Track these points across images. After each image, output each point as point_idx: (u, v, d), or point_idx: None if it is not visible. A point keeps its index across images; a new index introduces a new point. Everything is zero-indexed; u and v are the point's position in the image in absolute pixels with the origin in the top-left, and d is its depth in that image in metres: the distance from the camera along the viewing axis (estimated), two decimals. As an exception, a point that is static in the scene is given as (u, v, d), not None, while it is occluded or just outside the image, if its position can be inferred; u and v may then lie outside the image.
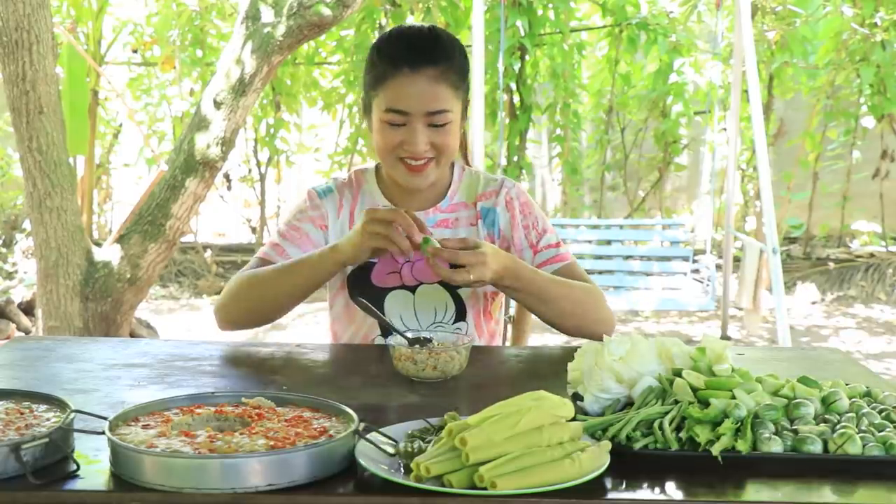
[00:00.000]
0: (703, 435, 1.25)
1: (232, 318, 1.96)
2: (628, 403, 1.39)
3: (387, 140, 1.87)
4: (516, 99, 7.05)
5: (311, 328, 6.36)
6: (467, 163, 2.12)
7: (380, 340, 1.99)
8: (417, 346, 1.67)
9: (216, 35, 7.50)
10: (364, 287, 1.96)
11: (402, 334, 1.73)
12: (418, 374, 1.64)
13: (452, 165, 2.05)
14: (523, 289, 1.86)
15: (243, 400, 1.35)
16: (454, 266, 1.75)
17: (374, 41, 1.97)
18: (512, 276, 1.83)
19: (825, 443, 1.26)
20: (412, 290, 1.98)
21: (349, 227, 2.00)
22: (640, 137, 8.20)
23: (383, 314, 1.88)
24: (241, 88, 3.72)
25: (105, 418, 1.25)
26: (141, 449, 1.16)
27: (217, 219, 8.64)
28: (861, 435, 1.26)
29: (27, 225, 6.89)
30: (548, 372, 1.77)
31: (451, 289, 1.97)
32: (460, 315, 1.99)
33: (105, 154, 8.19)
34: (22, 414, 1.30)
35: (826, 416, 1.33)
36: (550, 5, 6.81)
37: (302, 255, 1.91)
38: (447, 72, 1.85)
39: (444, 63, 1.85)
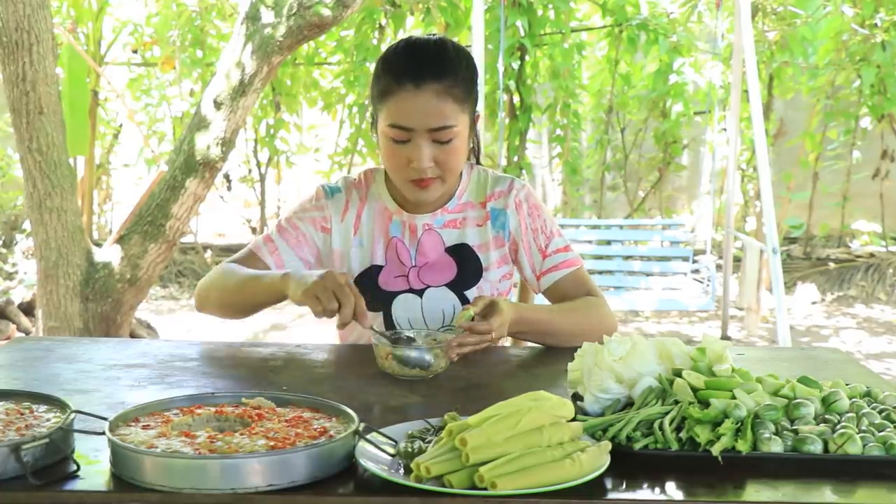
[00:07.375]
0: (703, 435, 1.25)
1: (203, 303, 2.01)
2: (628, 404, 1.39)
3: (393, 159, 1.87)
4: (516, 99, 7.04)
5: (312, 328, 6.35)
6: (478, 161, 2.09)
7: None
8: (399, 343, 1.70)
9: (216, 35, 7.49)
10: (371, 291, 1.93)
11: (383, 334, 1.74)
12: (403, 372, 1.65)
13: None
14: (530, 331, 1.93)
15: (243, 400, 1.35)
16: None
17: (382, 53, 1.95)
18: (521, 323, 1.87)
19: (825, 443, 1.26)
20: (419, 293, 1.98)
21: (354, 230, 2.00)
22: (640, 137, 8.20)
23: (391, 317, 1.87)
24: (241, 89, 3.72)
25: (105, 419, 1.25)
26: (141, 449, 1.16)
27: (217, 219, 8.65)
28: (861, 435, 1.26)
29: (27, 225, 6.89)
30: (548, 372, 1.77)
31: (459, 291, 1.98)
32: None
33: (105, 154, 8.19)
34: (22, 414, 1.30)
35: (826, 416, 1.33)
36: (550, 5, 6.80)
37: (265, 272, 1.89)
38: (452, 87, 1.83)
39: (448, 78, 1.82)
